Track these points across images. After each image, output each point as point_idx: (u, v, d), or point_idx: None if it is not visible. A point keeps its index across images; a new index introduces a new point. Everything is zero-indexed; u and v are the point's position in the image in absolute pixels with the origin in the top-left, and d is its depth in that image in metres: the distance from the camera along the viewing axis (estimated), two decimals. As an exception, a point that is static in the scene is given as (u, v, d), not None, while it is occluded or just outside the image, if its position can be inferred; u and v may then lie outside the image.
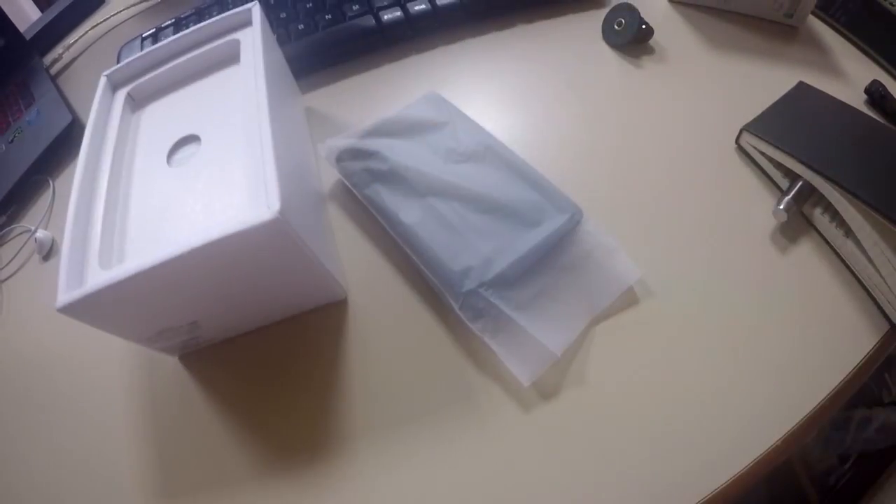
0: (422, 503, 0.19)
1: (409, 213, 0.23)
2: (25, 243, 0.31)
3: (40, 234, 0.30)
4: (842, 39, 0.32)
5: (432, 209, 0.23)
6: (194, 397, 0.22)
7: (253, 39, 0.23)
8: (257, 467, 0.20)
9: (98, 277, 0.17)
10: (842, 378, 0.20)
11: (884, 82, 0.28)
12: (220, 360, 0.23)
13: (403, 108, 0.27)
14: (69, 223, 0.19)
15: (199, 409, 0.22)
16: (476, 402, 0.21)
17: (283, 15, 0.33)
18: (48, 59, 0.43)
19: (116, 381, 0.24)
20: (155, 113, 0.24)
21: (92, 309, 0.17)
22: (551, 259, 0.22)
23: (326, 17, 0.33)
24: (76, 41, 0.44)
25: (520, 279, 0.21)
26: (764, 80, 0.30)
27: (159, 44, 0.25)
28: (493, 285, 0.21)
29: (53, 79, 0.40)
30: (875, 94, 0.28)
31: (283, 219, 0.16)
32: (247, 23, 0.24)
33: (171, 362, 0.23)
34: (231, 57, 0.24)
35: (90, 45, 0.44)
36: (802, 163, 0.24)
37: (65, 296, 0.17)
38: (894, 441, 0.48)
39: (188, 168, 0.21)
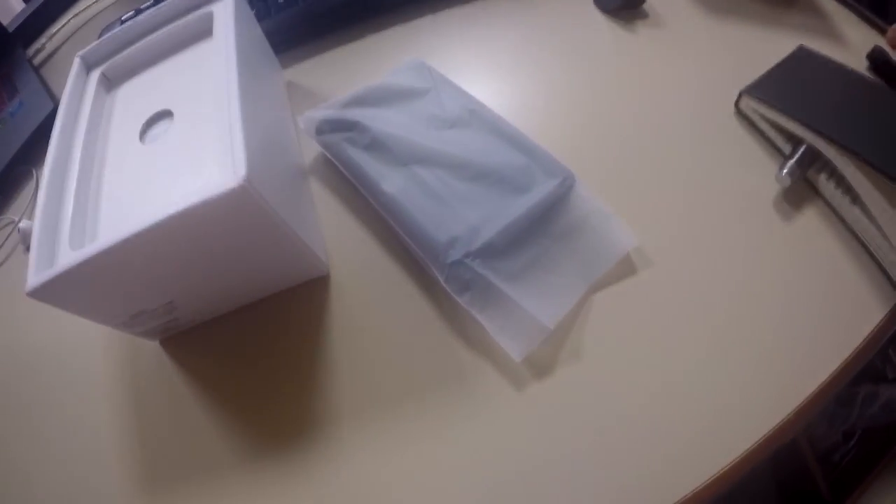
0: (410, 485, 0.19)
1: (391, 182, 0.22)
2: (9, 235, 0.30)
3: (23, 224, 0.29)
4: (842, 6, 0.30)
5: (415, 177, 0.22)
6: (176, 382, 0.22)
7: (225, 12, 0.22)
8: (241, 452, 0.20)
9: (67, 258, 0.16)
10: (851, 350, 0.20)
11: (886, 49, 0.27)
12: (201, 344, 0.23)
13: (385, 77, 0.26)
14: (39, 207, 0.18)
15: (182, 394, 0.22)
16: (465, 380, 0.20)
17: (263, -10, 0.32)
18: (32, 49, 0.42)
19: (98, 368, 0.23)
20: (129, 91, 0.23)
21: (63, 291, 0.17)
22: (542, 226, 0.21)
23: (308, -10, 0.32)
24: (59, 30, 0.43)
25: (509, 248, 0.20)
26: (762, 45, 0.28)
27: (133, 20, 0.24)
28: (480, 255, 0.20)
29: (37, 69, 0.39)
30: (877, 59, 0.27)
31: (248, 185, 0.16)
32: (221, -5, 0.23)
33: (152, 347, 0.23)
34: (205, 31, 0.23)
35: (73, 34, 0.43)
36: (806, 125, 0.23)
37: (34, 278, 0.16)
38: (902, 417, 0.47)
39: (160, 144, 0.20)
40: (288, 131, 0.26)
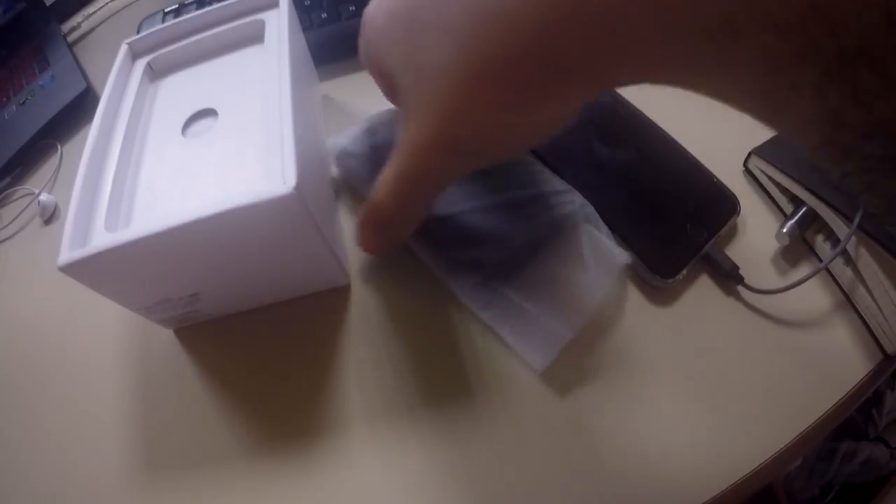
0: (413, 494, 0.19)
1: None
2: (28, 206, 0.30)
3: (44, 197, 0.30)
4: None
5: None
6: (187, 371, 0.22)
7: (279, 21, 0.23)
8: (244, 448, 0.20)
9: (102, 239, 0.17)
10: (833, 403, 0.21)
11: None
12: (215, 337, 0.23)
13: None
14: (78, 183, 0.19)
15: (191, 384, 0.22)
16: (478, 395, 0.21)
17: (307, 2, 0.34)
18: (66, 26, 0.43)
19: (109, 348, 0.23)
20: (173, 85, 0.24)
21: (93, 270, 0.17)
22: (554, 243, 0.22)
23: (350, 7, 0.33)
24: (96, 11, 0.44)
25: (524, 264, 0.21)
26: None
27: (182, 17, 0.25)
28: (498, 275, 0.21)
29: (70, 46, 0.40)
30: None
31: (297, 194, 0.16)
32: (273, 4, 0.24)
33: (166, 335, 0.23)
34: (254, 37, 0.24)
35: (110, 17, 0.44)
36: (808, 189, 0.24)
37: (67, 255, 0.17)
38: (877, 475, 0.48)
39: (203, 140, 0.21)
40: (323, 143, 0.27)
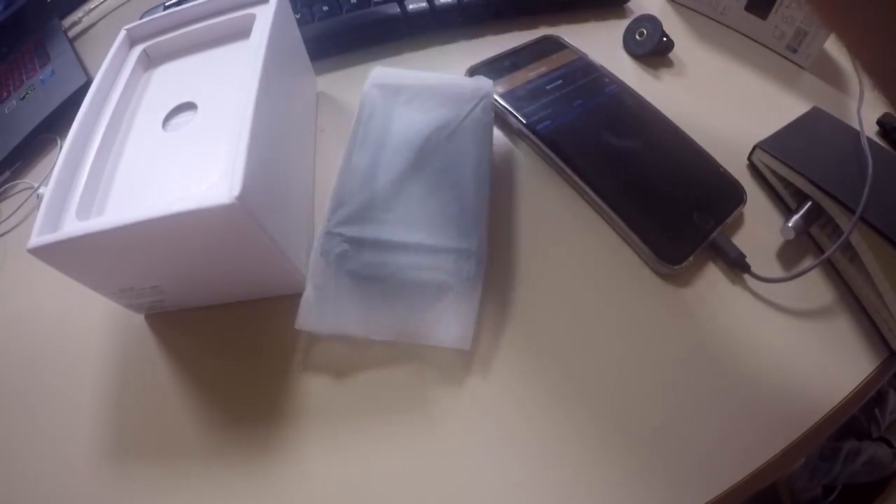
0: (364, 484, 0.19)
1: None
2: (27, 199, 0.30)
3: (43, 190, 0.30)
4: (856, 72, 0.32)
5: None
6: (153, 356, 0.22)
7: (266, 16, 0.23)
8: (208, 434, 0.20)
9: (71, 227, 0.18)
10: (839, 400, 0.20)
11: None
12: (182, 326, 0.23)
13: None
14: (56, 169, 0.19)
15: (156, 369, 0.22)
16: (424, 392, 0.21)
17: (309, -5, 0.33)
18: (67, 21, 0.43)
19: (84, 332, 0.24)
20: (164, 74, 0.24)
21: (59, 255, 0.18)
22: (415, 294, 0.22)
23: (351, 0, 0.33)
24: (97, 6, 0.44)
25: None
26: (779, 103, 0.30)
27: (181, 7, 0.24)
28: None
29: (71, 41, 0.40)
30: (887, 125, 0.28)
31: (240, 205, 0.16)
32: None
33: (137, 319, 0.24)
34: (245, 31, 0.24)
35: (110, 12, 0.44)
36: (813, 183, 0.24)
37: (36, 238, 0.17)
38: (880, 475, 0.47)
39: (179, 134, 0.21)
40: (306, 142, 0.26)
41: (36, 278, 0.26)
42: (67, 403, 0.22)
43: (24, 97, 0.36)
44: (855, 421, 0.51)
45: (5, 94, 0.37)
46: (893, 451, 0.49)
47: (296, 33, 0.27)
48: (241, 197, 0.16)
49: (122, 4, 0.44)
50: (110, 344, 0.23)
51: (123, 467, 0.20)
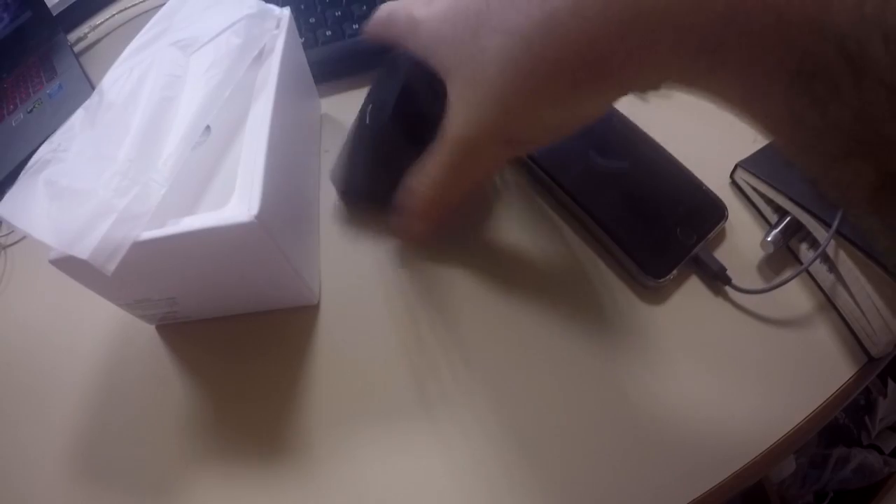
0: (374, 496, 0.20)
1: None
2: (33, 211, 0.31)
3: (50, 203, 0.30)
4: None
5: None
6: (164, 367, 0.23)
7: (277, 40, 0.24)
8: (215, 444, 0.21)
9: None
10: (818, 404, 0.21)
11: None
12: (193, 337, 0.24)
13: None
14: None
15: (166, 379, 0.23)
16: (439, 409, 0.21)
17: (312, 20, 0.35)
18: (72, 36, 0.44)
19: (97, 340, 0.24)
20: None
21: (79, 267, 0.18)
22: None
23: (354, 26, 0.34)
24: (103, 23, 0.45)
25: None
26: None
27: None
28: None
29: (77, 56, 0.41)
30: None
31: (258, 223, 0.17)
32: (276, 24, 0.25)
33: (149, 330, 0.24)
34: (255, 55, 0.24)
35: (116, 29, 0.45)
36: (792, 200, 0.25)
37: (56, 251, 0.18)
38: (870, 482, 0.48)
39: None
40: (311, 163, 0.27)
41: (46, 289, 0.27)
42: (79, 414, 0.22)
43: (31, 110, 0.37)
44: (845, 429, 0.52)
45: (12, 106, 0.38)
46: (884, 458, 0.50)
47: (302, 55, 0.28)
48: (259, 215, 0.17)
49: (129, 21, 0.45)
50: (122, 354, 0.24)
51: (133, 476, 0.20)
